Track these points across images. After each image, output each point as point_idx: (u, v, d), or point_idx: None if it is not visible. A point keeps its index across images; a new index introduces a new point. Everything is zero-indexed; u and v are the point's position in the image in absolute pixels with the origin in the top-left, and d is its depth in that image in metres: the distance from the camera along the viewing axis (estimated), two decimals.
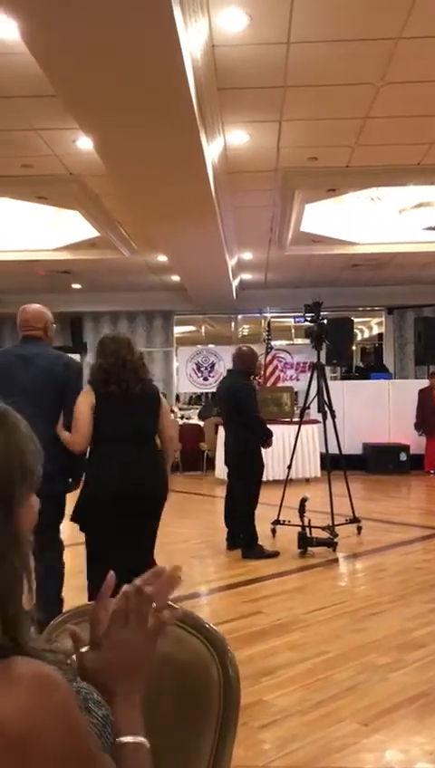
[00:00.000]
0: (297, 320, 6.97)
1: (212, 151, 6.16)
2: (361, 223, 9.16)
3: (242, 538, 6.04)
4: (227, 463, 6.44)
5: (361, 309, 14.96)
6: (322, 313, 6.67)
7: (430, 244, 9.64)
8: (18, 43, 4.05)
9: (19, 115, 5.66)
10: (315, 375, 6.66)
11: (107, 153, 5.58)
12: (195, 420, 12.82)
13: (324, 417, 6.66)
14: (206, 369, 14.62)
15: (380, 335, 15.51)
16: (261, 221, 8.78)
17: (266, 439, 5.95)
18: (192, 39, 4.27)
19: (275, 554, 5.94)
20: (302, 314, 6.66)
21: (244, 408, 5.88)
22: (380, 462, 11.20)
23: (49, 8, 3.45)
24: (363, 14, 4.24)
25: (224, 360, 14.43)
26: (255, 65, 4.85)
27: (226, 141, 6.23)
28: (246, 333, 16.80)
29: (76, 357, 11.64)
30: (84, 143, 5.85)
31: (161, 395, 3.92)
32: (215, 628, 1.25)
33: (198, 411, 13.49)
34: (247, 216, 8.50)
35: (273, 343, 13.09)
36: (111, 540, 3.58)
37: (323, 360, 6.84)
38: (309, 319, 6.61)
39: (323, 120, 5.83)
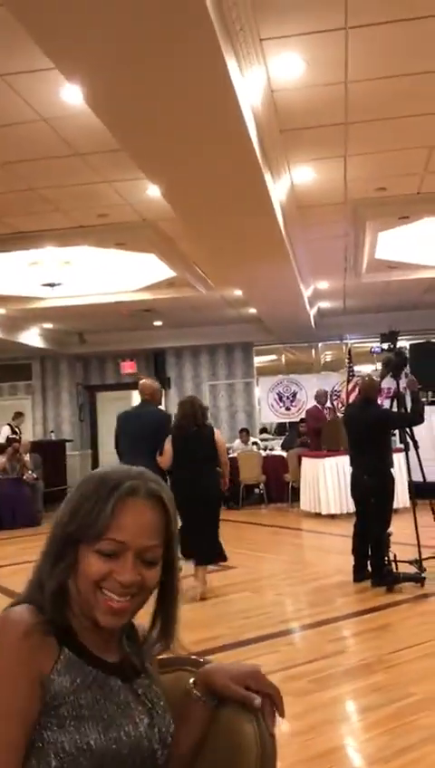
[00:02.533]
0: (374, 350, 6.88)
1: (279, 189, 6.26)
2: None
3: (374, 568, 6.04)
4: (356, 494, 6.43)
5: None
6: (401, 339, 6.62)
7: None
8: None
9: (93, 169, 5.94)
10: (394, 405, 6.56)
11: (174, 199, 5.77)
12: (278, 451, 12.79)
13: (407, 448, 6.54)
14: (287, 398, 14.60)
15: None
16: (335, 251, 8.79)
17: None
18: (250, 86, 4.40)
19: (416, 577, 5.85)
20: (378, 344, 6.59)
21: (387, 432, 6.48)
22: None
23: (108, 72, 3.65)
24: (415, 51, 4.25)
25: (305, 389, 14.38)
26: (314, 106, 4.92)
27: (292, 179, 6.31)
28: (329, 360, 16.70)
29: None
30: (154, 191, 6.07)
31: (215, 430, 6.17)
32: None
33: (280, 442, 13.46)
34: (320, 247, 8.53)
35: (356, 369, 12.95)
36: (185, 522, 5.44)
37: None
38: (386, 348, 6.53)
39: (387, 152, 5.82)
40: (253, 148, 4.63)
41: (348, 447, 6.63)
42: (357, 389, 7.84)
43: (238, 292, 10.51)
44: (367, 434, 6.15)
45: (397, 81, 4.67)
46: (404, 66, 4.49)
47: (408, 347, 12.06)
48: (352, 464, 6.51)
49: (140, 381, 6.67)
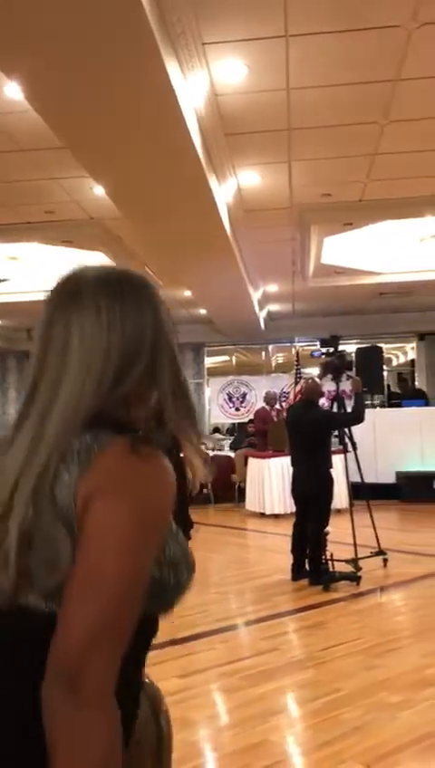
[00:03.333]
0: (314, 353, 7.02)
1: (225, 192, 6.33)
2: (382, 253, 9.21)
3: (311, 566, 6.14)
4: (296, 494, 6.53)
5: (392, 335, 14.92)
6: (348, 344, 6.76)
7: None
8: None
9: (39, 166, 5.91)
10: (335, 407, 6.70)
11: (119, 198, 5.79)
12: (226, 451, 12.87)
13: (346, 449, 6.68)
14: (237, 399, 14.70)
15: (413, 361, 15.40)
16: (282, 255, 8.90)
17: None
18: (193, 89, 4.44)
19: (352, 576, 5.96)
20: (317, 348, 6.72)
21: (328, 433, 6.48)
22: (414, 490, 11.06)
23: (47, 71, 3.65)
24: (357, 61, 4.36)
25: (255, 390, 14.50)
26: (258, 111, 5.00)
27: (238, 182, 6.38)
28: (280, 362, 16.87)
29: None
30: (101, 189, 6.07)
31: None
32: (153, 682, 1.29)
33: (229, 442, 13.54)
34: (268, 250, 8.63)
35: (304, 371, 13.12)
36: None
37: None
38: (326, 352, 6.65)
39: (331, 159, 5.94)
40: (195, 149, 4.68)
41: (289, 448, 6.73)
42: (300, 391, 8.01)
43: (188, 293, 10.55)
44: (309, 435, 6.25)
45: (338, 90, 4.77)
46: (344, 76, 4.59)
47: (354, 351, 12.38)
48: (293, 464, 6.61)
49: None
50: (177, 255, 7.60)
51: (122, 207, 6.03)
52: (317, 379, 6.95)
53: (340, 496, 9.61)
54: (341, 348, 6.86)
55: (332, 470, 6.33)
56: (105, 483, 0.94)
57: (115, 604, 0.92)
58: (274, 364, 16.52)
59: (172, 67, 3.83)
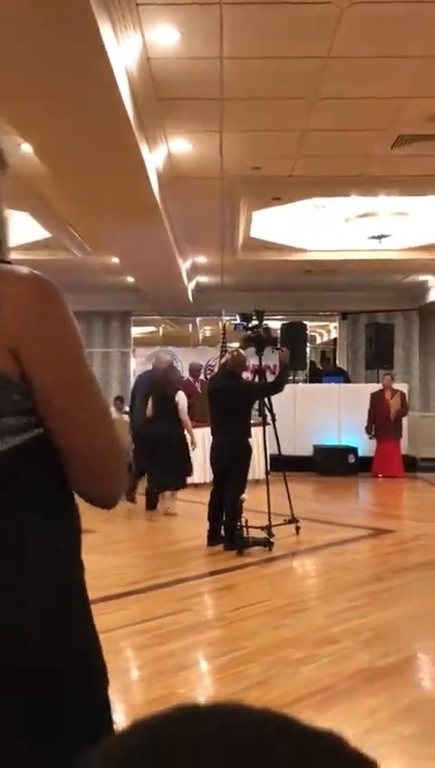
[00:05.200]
0: (236, 327, 7.12)
1: (156, 156, 6.29)
2: (310, 230, 9.36)
3: (226, 532, 6.27)
4: (214, 462, 6.61)
5: (317, 313, 15.21)
6: (275, 319, 6.87)
7: (376, 252, 9.88)
8: None
9: None
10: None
11: (46, 157, 5.68)
12: None
13: (265, 422, 6.83)
14: None
15: (335, 340, 15.78)
16: (212, 226, 8.91)
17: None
18: (126, 50, 4.39)
19: (265, 542, 6.10)
20: (239, 322, 6.82)
21: (248, 404, 6.60)
22: (329, 463, 11.42)
23: None
24: (289, 35, 4.41)
25: (181, 362, 14.54)
26: (191, 78, 4.98)
27: (169, 149, 6.35)
28: (207, 335, 16.93)
29: None
30: (28, 147, 5.92)
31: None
32: None
33: None
34: (198, 220, 8.63)
35: (230, 345, 13.24)
36: None
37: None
38: (248, 326, 6.75)
39: (262, 132, 5.99)
40: (126, 110, 4.63)
41: (209, 418, 6.83)
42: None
43: (116, 260, 10.44)
44: (228, 405, 6.35)
45: (270, 62, 4.81)
46: (277, 48, 4.63)
47: (280, 327, 12.58)
48: (212, 433, 6.72)
49: None
50: (104, 219, 7.50)
51: (50, 167, 5.91)
52: (241, 352, 7.04)
53: (258, 467, 9.88)
54: (265, 322, 6.97)
55: (250, 440, 6.47)
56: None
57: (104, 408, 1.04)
58: (201, 337, 16.57)
59: (105, 26, 3.78)
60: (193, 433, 8.18)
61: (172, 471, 7.93)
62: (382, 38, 4.50)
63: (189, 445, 8.08)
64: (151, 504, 8.41)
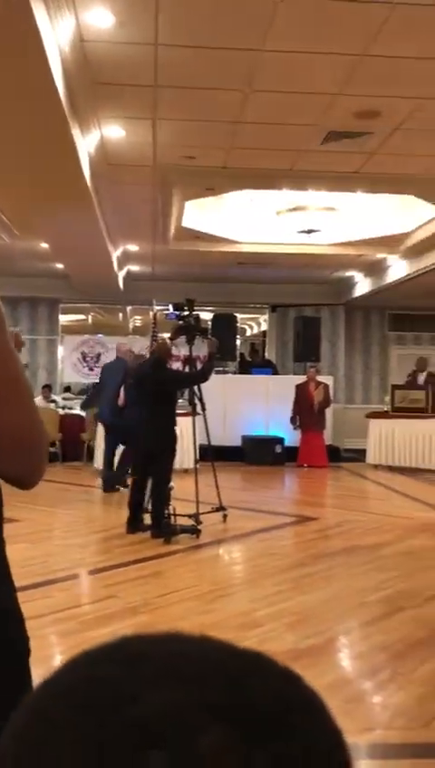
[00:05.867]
0: (169, 316, 7.12)
1: (88, 141, 6.21)
2: (242, 222, 9.45)
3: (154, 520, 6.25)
4: (140, 450, 6.61)
5: (248, 306, 15.36)
6: (208, 309, 6.92)
7: (305, 246, 10.06)
8: None
9: None
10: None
11: None
12: (77, 411, 12.77)
13: (194, 411, 6.88)
14: (92, 359, 14.54)
15: (265, 332, 15.98)
16: (144, 214, 8.88)
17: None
18: (59, 32, 4.32)
19: (192, 530, 6.12)
20: (172, 311, 6.83)
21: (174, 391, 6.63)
22: (257, 454, 11.59)
23: None
24: (225, 25, 4.44)
25: (112, 351, 14.41)
26: (125, 63, 4.95)
27: (102, 134, 6.29)
28: (138, 324, 16.84)
29: None
30: None
31: None
32: None
33: (80, 402, 13.44)
34: (130, 208, 8.58)
35: (160, 335, 13.22)
36: None
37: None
38: (179, 315, 6.78)
39: (196, 122, 6.00)
40: (57, 92, 4.56)
41: (136, 405, 6.81)
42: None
43: (45, 245, 10.25)
44: (155, 393, 6.36)
45: (205, 52, 4.82)
46: (212, 39, 4.65)
47: (211, 318, 12.65)
48: (139, 421, 6.72)
49: None
50: (33, 202, 7.36)
51: None
52: (168, 340, 7.04)
53: (187, 457, 9.93)
54: (195, 312, 7.01)
55: (175, 428, 6.48)
56: None
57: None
58: (131, 326, 16.48)
59: (38, 4, 3.71)
60: None
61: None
62: (315, 34, 4.58)
63: None
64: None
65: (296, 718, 0.39)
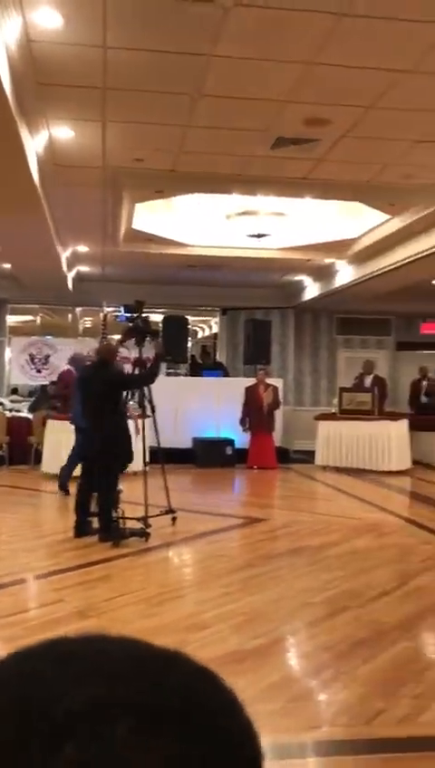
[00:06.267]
0: (119, 318, 7.09)
1: (37, 141, 6.15)
2: (192, 225, 9.47)
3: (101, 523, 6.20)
4: (86, 453, 6.55)
5: (198, 308, 15.40)
6: (158, 312, 6.91)
7: (255, 250, 10.15)
8: None
9: None
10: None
11: None
12: (24, 413, 12.58)
13: (144, 413, 6.86)
14: (40, 360, 14.36)
15: (216, 335, 16.05)
16: (93, 216, 8.83)
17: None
18: (5, 30, 4.28)
19: (141, 533, 6.07)
20: (123, 313, 6.82)
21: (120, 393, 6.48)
22: (208, 456, 11.61)
23: None
24: (174, 30, 4.45)
25: (61, 353, 14.24)
26: (73, 64, 4.92)
27: (51, 135, 6.23)
28: (87, 326, 16.68)
29: None
30: None
31: None
32: None
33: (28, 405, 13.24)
34: (79, 209, 8.52)
35: (110, 337, 13.14)
36: None
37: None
38: (129, 317, 6.77)
39: (145, 125, 6.00)
40: (3, 90, 4.50)
41: (82, 407, 6.75)
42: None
43: None
44: (99, 394, 6.31)
45: (154, 55, 4.83)
46: (162, 42, 4.66)
47: (162, 320, 12.64)
48: (85, 423, 6.67)
49: None
50: None
51: None
52: (111, 342, 6.98)
53: (136, 459, 9.88)
54: (145, 315, 7.00)
55: (127, 429, 6.47)
56: None
57: None
58: (81, 328, 16.31)
59: None
60: None
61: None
62: (265, 41, 4.64)
63: None
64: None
65: (204, 715, 0.42)
